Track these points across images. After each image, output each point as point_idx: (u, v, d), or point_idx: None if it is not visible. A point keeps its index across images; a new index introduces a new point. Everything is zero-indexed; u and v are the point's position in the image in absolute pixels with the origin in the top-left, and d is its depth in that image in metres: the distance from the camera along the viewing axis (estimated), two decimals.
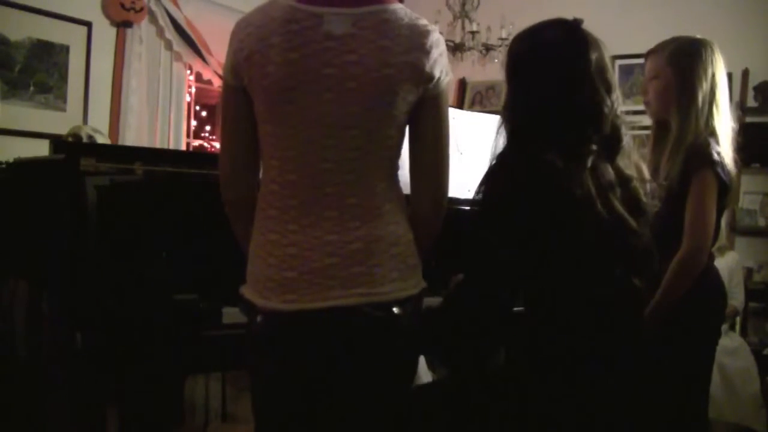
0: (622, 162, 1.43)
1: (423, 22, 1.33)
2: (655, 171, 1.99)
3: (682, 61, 1.96)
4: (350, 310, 1.26)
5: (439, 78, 1.32)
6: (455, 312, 1.43)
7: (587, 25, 1.44)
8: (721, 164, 1.87)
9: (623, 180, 1.42)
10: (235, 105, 1.35)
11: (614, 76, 1.45)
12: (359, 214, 1.29)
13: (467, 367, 1.54)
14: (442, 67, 1.33)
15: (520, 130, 1.41)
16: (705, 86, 1.92)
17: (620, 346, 1.40)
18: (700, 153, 1.86)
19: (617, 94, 1.43)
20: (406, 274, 1.31)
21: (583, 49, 1.39)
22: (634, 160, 1.47)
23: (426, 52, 1.29)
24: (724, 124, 1.95)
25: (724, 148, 1.92)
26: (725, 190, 1.89)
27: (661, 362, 1.79)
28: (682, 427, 1.90)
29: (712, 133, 1.91)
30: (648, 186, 1.49)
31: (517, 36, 1.49)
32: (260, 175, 1.37)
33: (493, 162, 1.42)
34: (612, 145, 1.42)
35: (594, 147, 1.38)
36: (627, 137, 1.45)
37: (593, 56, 1.39)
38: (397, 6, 1.31)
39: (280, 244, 1.28)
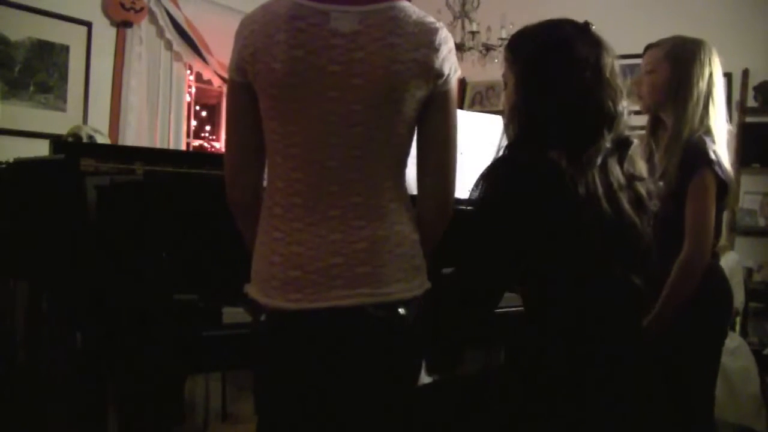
0: (627, 162, 1.43)
1: (431, 19, 1.33)
2: (650, 168, 1.99)
3: (681, 56, 1.96)
4: (354, 310, 1.25)
5: (448, 75, 1.32)
6: (440, 310, 1.42)
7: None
8: (719, 163, 1.87)
9: (628, 179, 1.42)
10: (240, 102, 1.34)
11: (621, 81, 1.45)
12: (364, 213, 1.28)
13: (444, 367, 1.54)
14: (451, 64, 1.32)
15: (527, 128, 1.40)
16: (702, 84, 1.93)
17: (621, 345, 1.40)
18: (697, 152, 1.86)
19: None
20: (410, 274, 1.31)
21: (601, 52, 1.39)
22: (636, 160, 1.47)
23: (435, 49, 1.29)
24: (720, 123, 1.95)
25: (721, 147, 1.92)
26: (724, 188, 1.89)
27: (667, 362, 1.79)
28: (687, 427, 1.90)
29: (708, 131, 1.91)
30: (648, 186, 1.48)
31: (526, 33, 1.47)
32: (266, 174, 1.36)
33: (495, 159, 1.41)
34: (622, 146, 1.42)
35: (607, 146, 1.38)
36: (635, 140, 1.45)
37: (609, 60, 1.39)
38: (405, 3, 1.31)
39: (284, 243, 1.28)
